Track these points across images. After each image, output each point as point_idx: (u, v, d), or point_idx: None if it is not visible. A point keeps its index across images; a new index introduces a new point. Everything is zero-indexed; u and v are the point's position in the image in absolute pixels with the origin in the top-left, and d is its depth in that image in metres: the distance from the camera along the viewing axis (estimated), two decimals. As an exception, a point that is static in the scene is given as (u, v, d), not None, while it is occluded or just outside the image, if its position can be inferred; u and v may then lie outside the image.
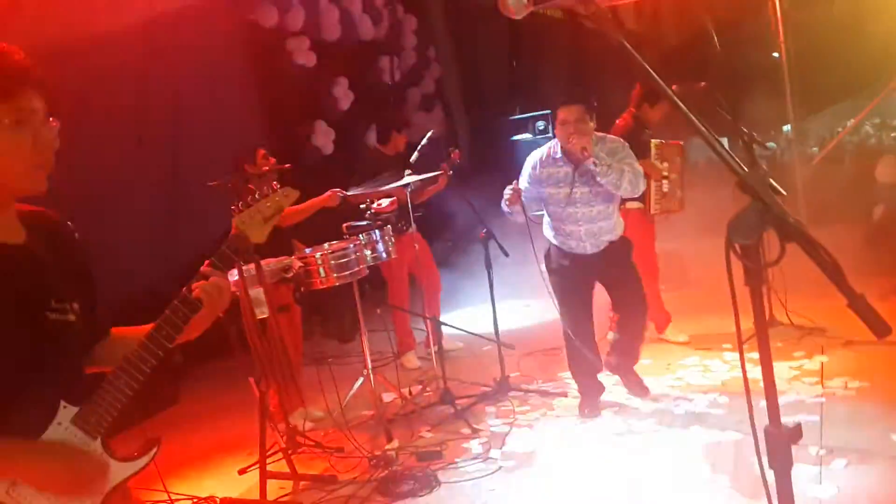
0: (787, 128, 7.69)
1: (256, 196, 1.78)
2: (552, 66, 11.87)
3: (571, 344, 4.34)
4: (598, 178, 4.05)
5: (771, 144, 6.19)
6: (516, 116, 9.32)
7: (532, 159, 4.35)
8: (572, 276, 4.34)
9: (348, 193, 5.27)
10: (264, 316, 3.97)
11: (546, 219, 4.43)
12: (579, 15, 1.47)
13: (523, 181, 4.33)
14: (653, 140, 5.16)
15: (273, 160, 4.72)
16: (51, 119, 1.53)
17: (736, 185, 1.37)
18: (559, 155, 4.23)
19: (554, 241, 4.41)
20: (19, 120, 1.46)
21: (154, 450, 1.66)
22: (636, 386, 4.54)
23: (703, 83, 4.83)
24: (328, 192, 4.92)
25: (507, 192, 4.16)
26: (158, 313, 1.69)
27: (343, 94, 8.55)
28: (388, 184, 4.89)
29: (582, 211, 4.20)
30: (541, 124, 8.90)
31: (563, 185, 4.20)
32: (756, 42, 10.55)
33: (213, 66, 7.18)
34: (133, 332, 1.74)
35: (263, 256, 4.03)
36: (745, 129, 4.46)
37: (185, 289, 1.66)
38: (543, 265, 4.39)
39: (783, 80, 8.83)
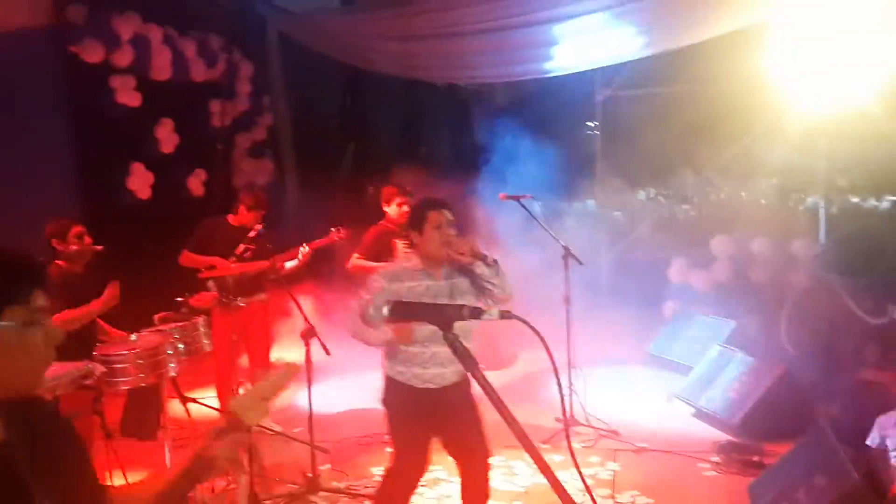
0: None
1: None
2: (387, 121, 12.06)
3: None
4: (490, 280, 3.60)
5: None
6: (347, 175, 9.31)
7: (381, 279, 3.43)
8: (421, 418, 3.67)
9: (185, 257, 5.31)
10: None
11: (389, 347, 3.63)
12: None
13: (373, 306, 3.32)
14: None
15: (89, 240, 4.38)
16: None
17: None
18: (418, 266, 3.56)
19: (398, 375, 3.64)
20: (32, 321, 1.46)
21: None
22: None
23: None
24: (108, 290, 4.36)
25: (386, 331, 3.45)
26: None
27: (167, 136, 8.17)
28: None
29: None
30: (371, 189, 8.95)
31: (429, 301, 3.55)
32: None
33: (23, 95, 6.62)
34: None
35: (59, 359, 3.70)
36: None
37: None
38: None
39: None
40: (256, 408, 1.66)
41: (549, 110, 11.60)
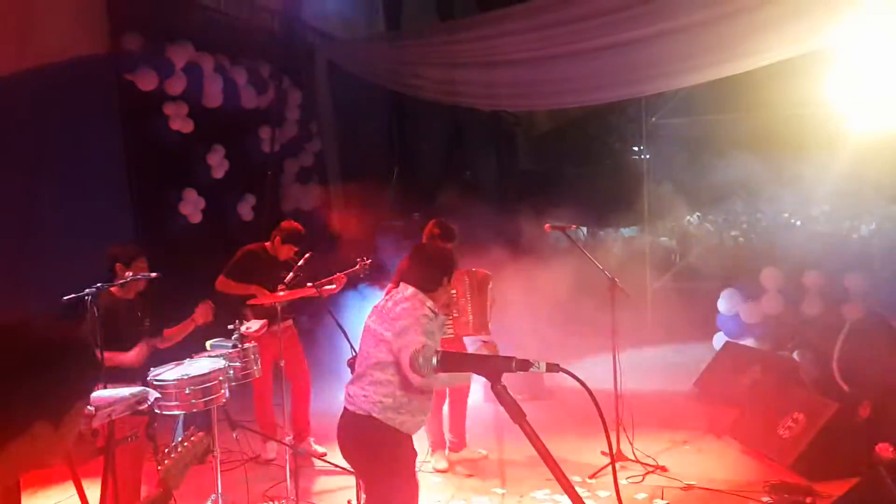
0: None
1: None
2: (432, 146, 12.16)
3: None
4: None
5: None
6: (392, 200, 9.39)
7: (422, 309, 3.47)
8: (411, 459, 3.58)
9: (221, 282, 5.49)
10: None
11: (399, 397, 3.39)
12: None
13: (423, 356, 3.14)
14: None
15: (147, 271, 4.49)
16: None
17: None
18: (435, 308, 3.55)
19: (401, 426, 3.43)
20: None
21: None
22: None
23: None
24: (200, 308, 4.66)
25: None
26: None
27: (218, 163, 8.34)
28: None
29: None
30: (416, 215, 9.01)
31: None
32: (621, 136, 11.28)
33: (81, 121, 6.84)
34: None
35: (114, 382, 3.80)
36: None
37: None
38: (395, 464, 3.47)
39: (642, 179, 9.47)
40: (180, 474, 1.78)
41: (594, 136, 11.59)
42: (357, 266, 5.92)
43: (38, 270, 6.03)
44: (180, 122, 7.77)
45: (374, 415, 3.36)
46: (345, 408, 3.51)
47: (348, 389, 3.52)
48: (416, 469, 3.68)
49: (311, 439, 5.93)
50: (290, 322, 5.80)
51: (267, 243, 5.82)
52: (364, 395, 3.40)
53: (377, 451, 3.40)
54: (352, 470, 3.97)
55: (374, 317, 3.54)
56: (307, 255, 5.39)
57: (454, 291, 5.24)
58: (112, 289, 4.38)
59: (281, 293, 4.86)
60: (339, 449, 3.60)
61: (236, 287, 5.59)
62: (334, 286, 5.63)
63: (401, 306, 3.44)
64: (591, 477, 5.27)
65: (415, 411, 3.43)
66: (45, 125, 6.49)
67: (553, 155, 11.72)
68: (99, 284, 4.04)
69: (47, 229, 6.37)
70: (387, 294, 3.78)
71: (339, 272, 5.71)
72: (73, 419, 1.43)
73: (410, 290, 3.51)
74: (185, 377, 4.06)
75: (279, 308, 4.93)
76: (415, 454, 3.59)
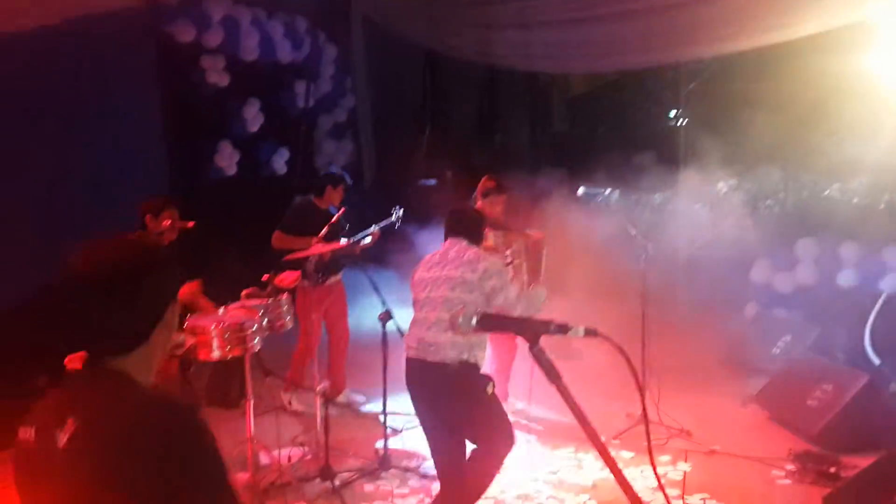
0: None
1: None
2: (465, 107, 12.08)
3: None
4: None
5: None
6: (425, 159, 9.35)
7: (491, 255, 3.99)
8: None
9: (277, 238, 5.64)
10: None
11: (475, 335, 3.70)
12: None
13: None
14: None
15: (178, 222, 4.58)
16: None
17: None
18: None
19: (482, 362, 3.86)
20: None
21: None
22: None
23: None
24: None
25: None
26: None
27: (253, 116, 8.38)
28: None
29: None
30: (449, 174, 8.98)
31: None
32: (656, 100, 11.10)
33: (118, 73, 6.91)
34: None
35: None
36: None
37: None
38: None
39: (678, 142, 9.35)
40: None
41: (630, 100, 11.41)
42: (392, 217, 6.01)
43: (74, 221, 6.15)
44: (217, 75, 7.82)
45: (455, 359, 3.66)
46: (417, 359, 3.75)
47: (416, 339, 3.76)
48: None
49: (347, 390, 6.07)
50: (339, 277, 5.93)
51: (314, 198, 5.90)
52: (441, 342, 3.67)
53: (468, 391, 3.68)
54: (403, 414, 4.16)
55: (436, 267, 3.82)
56: (341, 210, 5.45)
57: (509, 252, 5.24)
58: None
59: (317, 247, 4.93)
60: (413, 400, 3.86)
61: (291, 241, 5.65)
62: (370, 240, 5.72)
63: (467, 254, 3.82)
64: (615, 437, 5.32)
65: (484, 346, 3.85)
66: (83, 77, 6.56)
67: (588, 118, 11.55)
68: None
69: (84, 181, 6.46)
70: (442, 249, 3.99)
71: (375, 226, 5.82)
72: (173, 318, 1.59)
73: (464, 242, 3.89)
74: (222, 325, 4.15)
75: (325, 262, 5.05)
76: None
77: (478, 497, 3.89)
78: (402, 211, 6.08)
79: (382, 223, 5.94)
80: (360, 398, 6.06)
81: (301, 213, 5.87)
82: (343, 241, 5.31)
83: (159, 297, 1.54)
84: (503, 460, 3.84)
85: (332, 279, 5.82)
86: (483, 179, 5.50)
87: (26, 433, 1.52)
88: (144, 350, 1.53)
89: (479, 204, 5.31)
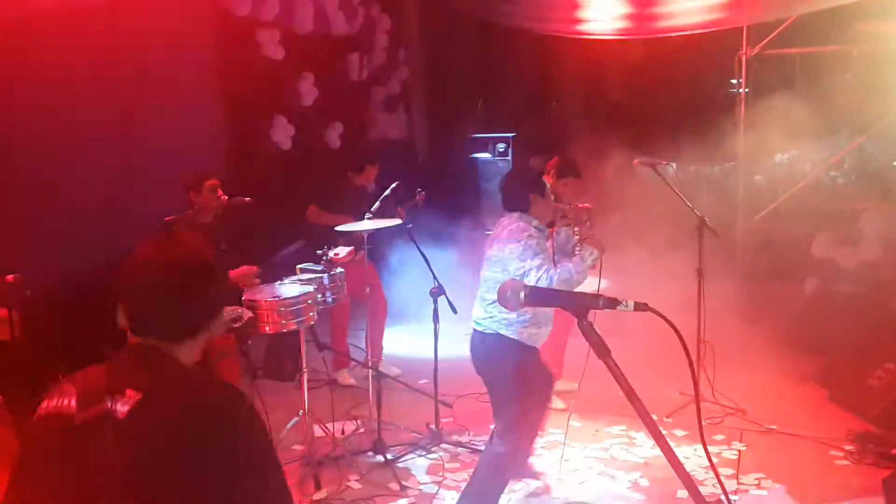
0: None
1: None
2: (519, 76, 11.91)
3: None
4: (579, 251, 3.89)
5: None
6: (477, 135, 9.26)
7: (526, 230, 3.74)
8: (544, 377, 4.05)
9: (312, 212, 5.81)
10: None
11: (522, 312, 3.71)
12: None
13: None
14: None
15: (222, 194, 4.65)
16: None
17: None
18: (540, 225, 3.88)
19: (523, 338, 3.77)
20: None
21: None
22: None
23: None
24: (244, 270, 4.60)
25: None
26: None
27: (308, 90, 8.43)
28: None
29: None
30: (501, 146, 8.90)
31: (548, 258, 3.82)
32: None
33: (176, 48, 6.99)
34: None
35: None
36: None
37: None
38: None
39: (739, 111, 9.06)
40: None
41: (688, 67, 11.08)
42: (416, 198, 6.07)
43: (133, 195, 6.32)
44: (272, 48, 7.86)
45: (501, 332, 3.71)
46: (474, 330, 3.86)
47: (475, 312, 3.88)
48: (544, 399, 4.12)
49: (384, 361, 6.21)
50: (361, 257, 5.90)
51: (350, 175, 5.99)
52: (490, 316, 3.74)
53: (504, 365, 3.72)
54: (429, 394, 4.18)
55: (490, 244, 3.85)
56: (394, 185, 5.46)
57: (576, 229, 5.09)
58: (188, 213, 4.58)
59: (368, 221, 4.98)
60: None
61: (326, 217, 5.75)
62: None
63: (507, 230, 3.76)
64: (668, 416, 5.28)
65: (539, 323, 3.77)
66: (141, 51, 6.66)
67: (644, 87, 11.27)
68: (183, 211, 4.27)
69: (143, 155, 6.59)
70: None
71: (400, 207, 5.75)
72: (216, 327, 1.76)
73: (514, 214, 3.83)
74: (278, 298, 4.23)
75: (364, 237, 5.07)
76: (547, 378, 4.04)
77: (483, 491, 3.81)
78: (423, 192, 6.11)
79: (408, 205, 5.92)
80: (395, 370, 6.12)
81: (337, 189, 6.00)
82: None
83: (208, 306, 1.71)
84: (515, 455, 3.81)
85: (360, 255, 5.73)
86: (556, 159, 5.23)
87: (60, 403, 1.55)
88: (189, 344, 1.67)
89: (552, 183, 5.14)
